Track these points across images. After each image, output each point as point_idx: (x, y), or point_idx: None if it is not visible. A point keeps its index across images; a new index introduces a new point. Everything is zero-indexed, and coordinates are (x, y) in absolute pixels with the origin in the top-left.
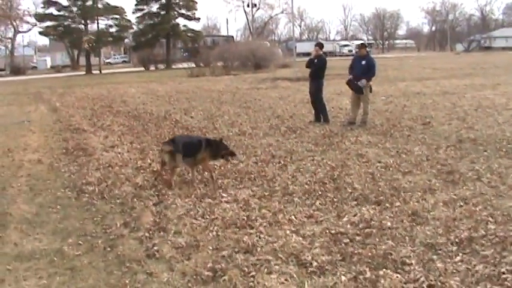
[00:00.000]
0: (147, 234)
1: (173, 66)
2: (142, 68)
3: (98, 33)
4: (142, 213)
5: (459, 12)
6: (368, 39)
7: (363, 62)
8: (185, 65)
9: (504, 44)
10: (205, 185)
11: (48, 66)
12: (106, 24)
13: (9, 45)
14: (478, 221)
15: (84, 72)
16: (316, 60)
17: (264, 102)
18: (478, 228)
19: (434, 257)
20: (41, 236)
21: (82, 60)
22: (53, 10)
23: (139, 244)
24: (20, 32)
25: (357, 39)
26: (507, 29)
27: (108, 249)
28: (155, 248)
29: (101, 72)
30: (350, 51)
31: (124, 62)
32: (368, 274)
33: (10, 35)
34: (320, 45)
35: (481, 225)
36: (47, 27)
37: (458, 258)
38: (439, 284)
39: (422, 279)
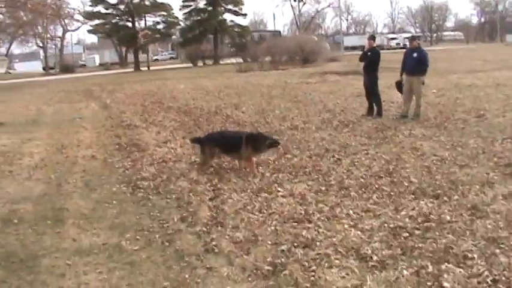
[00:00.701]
0: (204, 229)
1: (221, 62)
2: (190, 64)
3: (146, 30)
4: (199, 208)
5: (509, 2)
6: (416, 32)
7: (415, 55)
8: (233, 60)
9: None
10: (260, 180)
11: (97, 64)
12: (153, 21)
13: (59, 44)
14: None
15: (132, 69)
16: (369, 53)
17: (314, 96)
18: None
19: (497, 251)
20: (99, 231)
21: (130, 58)
22: (100, 8)
23: (197, 239)
24: (68, 30)
25: (404, 32)
26: None
27: (166, 243)
28: (213, 242)
29: (149, 68)
30: (398, 44)
31: (171, 58)
32: (430, 268)
33: (59, 33)
34: (373, 38)
35: None
36: (95, 25)
37: None
38: (503, 278)
39: (486, 273)
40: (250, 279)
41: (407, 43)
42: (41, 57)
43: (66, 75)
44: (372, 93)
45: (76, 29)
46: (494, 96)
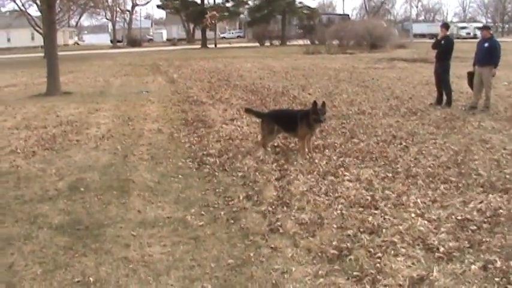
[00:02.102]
0: (270, 209)
1: (288, 43)
2: (257, 44)
3: (214, 8)
4: (265, 188)
5: None
6: (487, 22)
7: (486, 45)
8: (300, 42)
9: None
10: (326, 163)
11: (164, 39)
12: (223, 0)
13: (127, 18)
14: None
15: (199, 46)
16: (443, 42)
17: (382, 82)
18: None
19: None
20: (164, 204)
21: (197, 34)
22: None
23: (262, 218)
24: (137, 4)
25: (475, 21)
26: None
27: (231, 221)
28: (278, 222)
29: (216, 46)
30: (468, 34)
31: (239, 37)
32: (498, 264)
33: (128, 7)
34: (446, 26)
35: None
36: (165, 0)
37: None
38: None
39: None
40: (315, 261)
41: (478, 33)
42: (109, 30)
43: (133, 49)
44: (443, 81)
45: (145, 3)
46: None
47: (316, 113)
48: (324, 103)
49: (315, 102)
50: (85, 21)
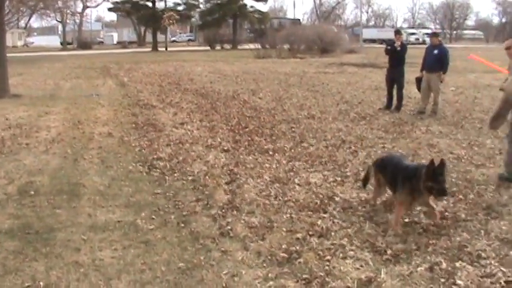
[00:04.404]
0: (220, 212)
1: (239, 47)
2: (208, 47)
3: (166, 11)
4: (215, 191)
5: None
6: (435, 28)
7: (435, 51)
8: (251, 46)
9: None
10: (276, 167)
11: (115, 42)
12: (174, 3)
13: (78, 20)
14: None
15: (150, 49)
16: (399, 48)
17: (332, 87)
18: None
19: (511, 252)
20: (114, 208)
21: (148, 37)
22: None
23: (212, 222)
24: (88, 7)
25: (424, 27)
26: None
27: (182, 225)
28: (229, 226)
29: (166, 49)
30: (417, 39)
31: (190, 40)
32: (444, 265)
33: (79, 9)
34: (400, 33)
35: None
36: (116, 3)
37: None
38: None
39: (499, 274)
40: (265, 265)
41: (427, 39)
42: (59, 32)
43: (83, 52)
44: (399, 86)
45: (96, 6)
46: None
47: (431, 179)
48: (443, 163)
49: (432, 163)
50: (35, 22)
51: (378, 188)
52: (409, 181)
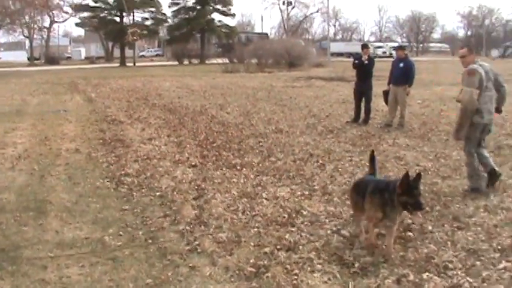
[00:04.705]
0: (188, 228)
1: (207, 62)
2: (176, 62)
3: (134, 26)
4: (183, 207)
5: (496, 17)
6: (402, 42)
7: (401, 65)
8: (219, 60)
9: None
10: (244, 182)
11: (83, 57)
12: (141, 17)
13: (45, 35)
14: None
15: (118, 64)
16: (366, 62)
17: (300, 101)
18: None
19: (477, 263)
20: (82, 225)
21: (116, 52)
22: (89, 1)
23: (180, 237)
24: (56, 22)
25: (391, 41)
26: None
27: (149, 241)
28: (196, 242)
29: (134, 64)
30: (384, 53)
31: (158, 55)
32: (411, 277)
33: (46, 24)
34: (367, 46)
35: None
36: (83, 18)
37: (502, 265)
38: None
39: (466, 285)
40: (232, 279)
41: (394, 52)
42: (27, 47)
43: (51, 67)
44: (367, 99)
45: (63, 21)
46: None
47: (406, 193)
48: (419, 175)
49: (406, 175)
50: (1, 38)
51: (357, 213)
52: (380, 194)
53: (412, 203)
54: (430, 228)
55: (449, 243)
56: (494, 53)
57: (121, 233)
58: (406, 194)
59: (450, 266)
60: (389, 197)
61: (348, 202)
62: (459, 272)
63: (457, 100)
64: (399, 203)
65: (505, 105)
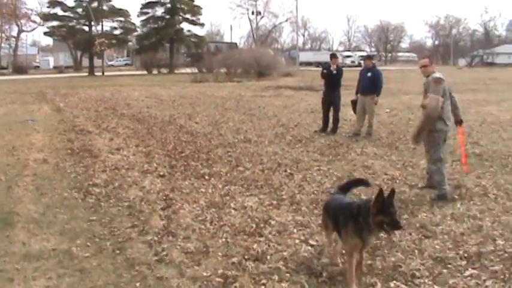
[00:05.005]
0: (156, 238)
1: (176, 71)
2: (145, 72)
3: (102, 35)
4: (151, 217)
5: (463, 27)
6: (371, 51)
7: (369, 74)
8: (188, 70)
9: (507, 60)
10: (212, 192)
11: (51, 67)
12: (110, 27)
13: (13, 44)
14: (486, 236)
15: (86, 74)
16: (335, 71)
17: (268, 110)
18: (487, 243)
19: (444, 271)
20: (49, 236)
21: (85, 62)
22: (58, 10)
23: (148, 248)
24: (24, 31)
25: (360, 50)
26: (510, 46)
27: (117, 251)
28: (164, 252)
29: (103, 74)
30: (352, 62)
31: (127, 64)
32: (379, 286)
33: (14, 33)
34: (336, 56)
35: (489, 240)
36: (52, 27)
37: (468, 273)
38: None
39: None
40: None
41: (362, 62)
42: None
43: (19, 76)
44: (335, 109)
45: (32, 30)
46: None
47: (382, 212)
48: (393, 191)
49: (380, 193)
50: None
51: (328, 235)
52: (355, 221)
53: (389, 222)
54: (397, 236)
55: (416, 251)
56: (462, 62)
57: (88, 243)
58: (381, 213)
59: (417, 274)
60: (364, 220)
61: (316, 211)
62: (426, 280)
63: (422, 105)
64: (375, 223)
65: (463, 114)
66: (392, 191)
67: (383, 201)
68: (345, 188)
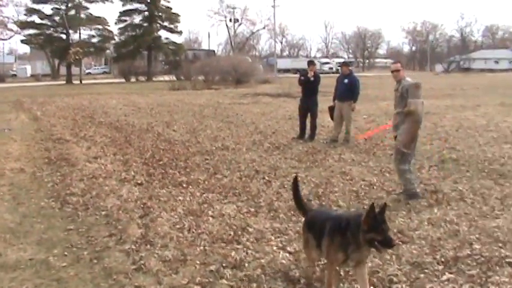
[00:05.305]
0: (133, 247)
1: (154, 79)
2: (123, 80)
3: (79, 43)
4: (128, 226)
5: (439, 33)
6: (348, 58)
7: (346, 81)
8: (166, 77)
9: (483, 65)
10: (190, 200)
11: (28, 75)
12: (88, 35)
13: None
14: (463, 240)
15: (64, 82)
16: (312, 78)
17: (246, 118)
18: (463, 248)
19: (421, 275)
20: (26, 246)
21: (62, 70)
22: (35, 18)
23: (125, 256)
24: (1, 39)
25: (337, 57)
26: (486, 51)
27: (95, 261)
28: (142, 261)
29: (81, 82)
30: (330, 68)
31: (104, 72)
32: None
33: None
34: (313, 63)
35: (465, 245)
36: (29, 35)
37: (445, 277)
38: None
39: None
40: None
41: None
42: None
43: None
44: (313, 115)
45: (8, 38)
46: (422, 124)
47: (373, 229)
48: (385, 207)
49: (372, 209)
50: None
51: (309, 252)
52: (342, 233)
53: (381, 240)
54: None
55: (394, 257)
56: (439, 68)
57: (66, 253)
58: (373, 230)
59: (395, 279)
60: (352, 236)
61: (294, 218)
62: (404, 286)
63: (408, 111)
64: (365, 241)
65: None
66: (384, 206)
67: (375, 217)
68: None
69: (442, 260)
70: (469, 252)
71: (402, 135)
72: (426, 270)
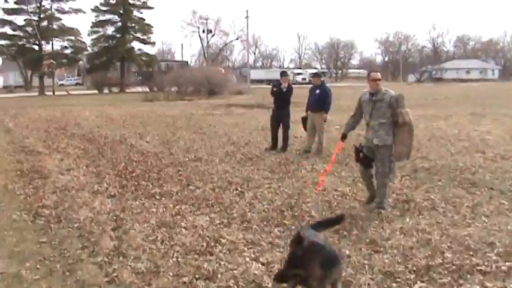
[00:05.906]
0: (106, 259)
1: (127, 90)
2: (96, 91)
3: (52, 54)
4: (101, 238)
5: (412, 43)
6: (322, 68)
7: (317, 91)
8: (139, 89)
9: (455, 75)
10: (163, 211)
11: (0, 86)
12: (61, 46)
13: None
14: (434, 249)
15: (37, 93)
16: (285, 89)
17: (219, 129)
18: (435, 256)
19: (394, 285)
20: None
21: (35, 81)
22: (7, 29)
23: (98, 269)
24: None
25: (310, 67)
26: (458, 61)
27: (67, 273)
28: (115, 273)
29: (54, 93)
30: (303, 79)
31: (77, 84)
32: None
33: None
34: (286, 74)
35: (437, 253)
36: (1, 46)
37: (417, 286)
38: None
39: None
40: None
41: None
42: None
43: None
44: (286, 126)
45: None
46: None
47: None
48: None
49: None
50: None
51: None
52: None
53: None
54: (347, 252)
55: (366, 266)
56: (411, 78)
57: (38, 266)
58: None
59: None
60: None
61: (267, 229)
62: None
63: (405, 123)
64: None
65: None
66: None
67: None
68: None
69: (414, 268)
70: (440, 261)
71: (400, 147)
72: (398, 279)
